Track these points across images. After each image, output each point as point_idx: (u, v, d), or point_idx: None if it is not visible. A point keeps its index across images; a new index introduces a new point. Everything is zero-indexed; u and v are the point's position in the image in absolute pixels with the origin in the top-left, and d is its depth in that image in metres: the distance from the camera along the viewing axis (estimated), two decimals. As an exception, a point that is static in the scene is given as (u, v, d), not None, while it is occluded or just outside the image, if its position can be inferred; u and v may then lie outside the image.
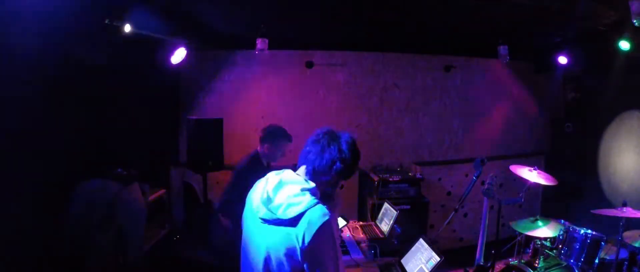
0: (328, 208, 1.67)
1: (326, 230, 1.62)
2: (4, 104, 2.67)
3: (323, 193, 1.76)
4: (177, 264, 4.39)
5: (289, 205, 1.65)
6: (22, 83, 2.81)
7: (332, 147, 1.71)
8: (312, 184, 1.71)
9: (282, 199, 1.68)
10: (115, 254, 3.36)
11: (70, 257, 3.12)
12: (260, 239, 1.74)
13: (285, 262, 1.67)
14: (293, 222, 1.64)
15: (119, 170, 3.64)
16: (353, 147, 1.74)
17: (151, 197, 4.09)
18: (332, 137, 1.74)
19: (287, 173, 1.78)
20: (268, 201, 1.71)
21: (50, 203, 3.10)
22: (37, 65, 2.86)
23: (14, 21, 2.59)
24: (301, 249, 1.62)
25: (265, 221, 1.71)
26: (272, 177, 1.77)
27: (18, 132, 2.81)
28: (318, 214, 1.63)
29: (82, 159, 3.47)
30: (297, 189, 1.68)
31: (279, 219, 1.66)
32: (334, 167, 1.70)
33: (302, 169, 1.79)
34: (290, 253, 1.65)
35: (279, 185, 1.72)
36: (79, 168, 3.39)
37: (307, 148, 1.78)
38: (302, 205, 1.64)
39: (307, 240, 1.60)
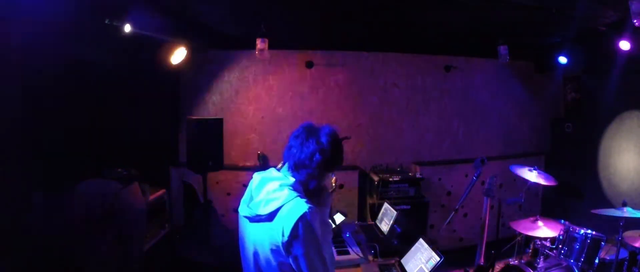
0: (309, 201, 1.67)
1: (304, 223, 1.61)
2: (4, 104, 2.67)
3: (307, 188, 1.77)
4: (177, 264, 4.38)
5: (268, 201, 1.68)
6: (22, 83, 2.81)
7: (310, 140, 1.72)
8: (291, 179, 1.74)
9: (262, 196, 1.72)
10: (115, 254, 3.36)
11: (70, 258, 3.12)
12: (248, 237, 1.80)
13: (271, 258, 1.70)
14: (272, 217, 1.66)
15: (119, 170, 3.64)
16: (332, 138, 1.75)
17: (151, 197, 4.09)
18: (311, 130, 1.76)
19: (269, 171, 1.82)
20: (250, 199, 1.77)
21: (51, 203, 3.10)
22: (37, 65, 2.86)
23: (14, 21, 2.59)
24: (283, 243, 1.63)
25: (249, 219, 1.76)
26: (255, 177, 1.82)
27: (18, 132, 2.81)
28: (296, 207, 1.63)
29: (82, 159, 3.47)
30: (276, 185, 1.71)
31: (259, 215, 1.70)
32: (314, 158, 1.70)
33: (286, 166, 1.82)
34: (274, 248, 1.68)
35: (261, 183, 1.77)
36: (79, 168, 3.39)
37: (289, 144, 1.79)
38: (280, 200, 1.66)
39: (286, 234, 1.61)
